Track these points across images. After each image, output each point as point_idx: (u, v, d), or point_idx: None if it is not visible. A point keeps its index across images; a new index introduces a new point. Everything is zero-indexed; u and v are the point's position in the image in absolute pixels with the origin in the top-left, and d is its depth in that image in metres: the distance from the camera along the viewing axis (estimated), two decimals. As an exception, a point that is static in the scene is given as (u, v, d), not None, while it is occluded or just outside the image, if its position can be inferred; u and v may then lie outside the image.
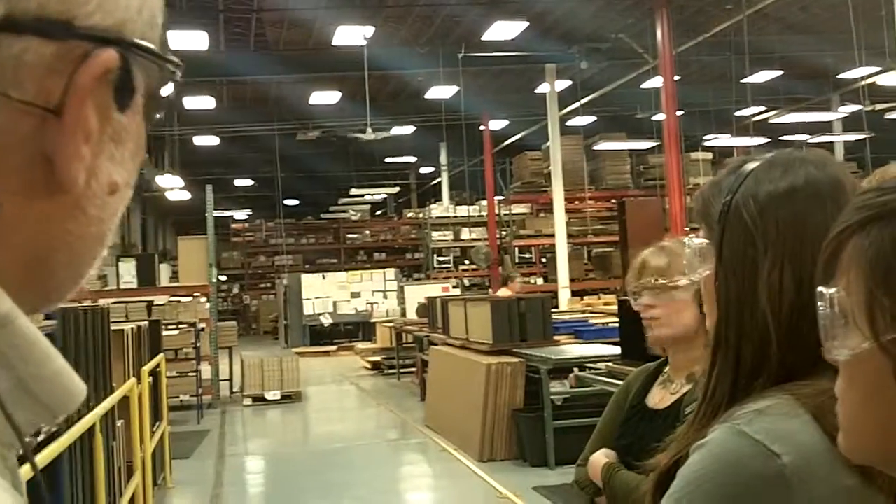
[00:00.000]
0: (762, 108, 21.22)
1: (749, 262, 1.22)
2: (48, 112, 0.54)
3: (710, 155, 21.90)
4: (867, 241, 0.85)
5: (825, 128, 23.64)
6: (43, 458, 3.88)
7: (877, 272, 0.83)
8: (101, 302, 11.53)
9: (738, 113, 20.89)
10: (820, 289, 0.88)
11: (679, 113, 15.35)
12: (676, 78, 15.29)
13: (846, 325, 0.85)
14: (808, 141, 23.69)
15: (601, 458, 2.54)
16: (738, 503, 1.11)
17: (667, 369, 2.61)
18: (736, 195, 1.26)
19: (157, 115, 0.65)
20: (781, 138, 22.83)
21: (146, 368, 7.71)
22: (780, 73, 20.90)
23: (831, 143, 23.08)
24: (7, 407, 0.52)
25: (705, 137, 23.52)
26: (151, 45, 0.60)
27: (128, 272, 14.93)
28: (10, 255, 0.55)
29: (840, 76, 20.80)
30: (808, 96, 21.24)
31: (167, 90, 0.65)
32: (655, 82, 16.95)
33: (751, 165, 1.30)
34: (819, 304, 0.87)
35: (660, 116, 16.12)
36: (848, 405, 0.90)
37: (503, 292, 13.58)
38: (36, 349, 0.54)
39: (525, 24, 16.72)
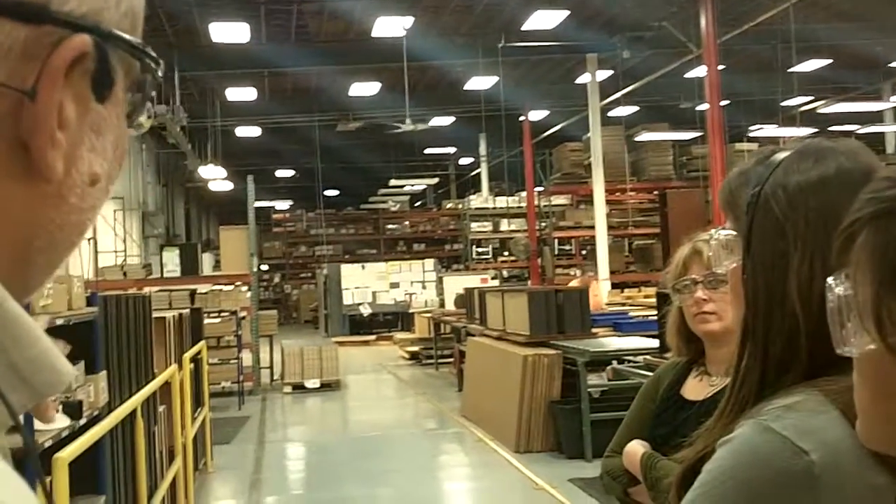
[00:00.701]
0: (809, 98, 20.94)
1: (778, 254, 1.20)
2: (23, 95, 0.55)
3: (755, 146, 21.64)
4: (876, 239, 0.84)
5: (876, 118, 23.29)
6: (85, 442, 3.94)
7: (884, 274, 0.83)
8: (145, 290, 11.67)
9: (784, 103, 20.62)
10: (829, 282, 0.87)
11: (723, 103, 15.17)
12: (721, 67, 15.12)
13: (855, 322, 0.84)
14: (858, 131, 23.37)
15: (638, 447, 2.52)
16: (764, 500, 1.09)
17: (703, 361, 2.59)
18: (765, 186, 1.23)
19: (142, 114, 0.66)
20: (829, 128, 22.53)
21: (188, 355, 7.80)
22: (829, 61, 20.60)
23: (882, 133, 22.73)
24: (2, 390, 0.53)
25: (750, 128, 23.27)
26: (128, 37, 0.60)
27: (171, 261, 15.12)
28: None
29: (892, 65, 20.44)
30: (858, 85, 20.92)
31: (149, 87, 0.65)
32: (699, 72, 16.78)
33: (780, 155, 1.27)
34: (828, 297, 0.87)
35: (703, 106, 15.96)
36: (860, 397, 0.89)
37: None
38: (24, 331, 0.54)
39: (566, 12, 16.63)
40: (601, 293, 14.35)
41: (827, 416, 1.10)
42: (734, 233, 1.29)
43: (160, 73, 0.65)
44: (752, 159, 1.33)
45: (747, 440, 1.13)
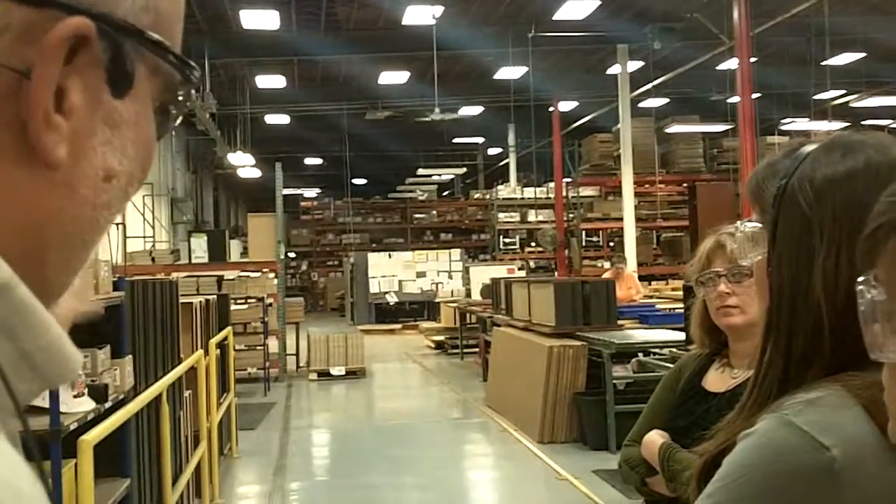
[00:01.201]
0: (842, 92, 20.73)
1: (804, 248, 1.18)
2: (21, 75, 0.54)
3: (786, 139, 21.47)
4: None
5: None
6: (110, 425, 3.97)
7: None
8: (173, 275, 11.75)
9: (816, 96, 20.42)
10: (860, 286, 0.86)
11: (755, 96, 15.04)
12: (753, 59, 14.99)
13: (888, 327, 0.83)
14: (892, 125, 23.10)
15: (657, 438, 2.52)
16: (784, 495, 1.08)
17: (725, 353, 2.58)
18: (792, 179, 1.22)
19: (175, 116, 0.65)
20: (862, 122, 22.28)
21: (214, 341, 7.84)
22: (863, 55, 20.37)
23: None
24: (7, 375, 0.52)
25: (782, 121, 23.07)
26: (150, 33, 0.59)
27: (199, 247, 15.23)
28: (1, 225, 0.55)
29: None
30: (892, 79, 20.67)
31: (185, 91, 0.64)
32: (731, 64, 16.65)
33: (808, 148, 1.26)
34: (860, 301, 0.85)
35: (735, 99, 15.83)
36: (890, 399, 0.88)
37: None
38: (35, 318, 0.54)
39: (597, 3, 16.53)
40: (637, 285, 14.23)
41: (849, 411, 1.08)
42: (760, 225, 1.27)
43: (194, 78, 0.64)
44: (781, 152, 1.31)
45: (768, 434, 1.12)
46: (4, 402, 0.52)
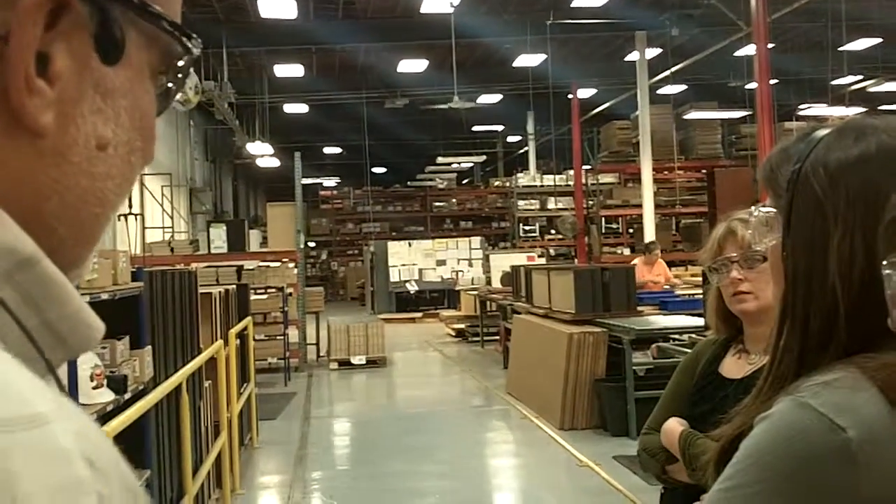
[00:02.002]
0: (860, 77, 20.56)
1: (819, 232, 1.18)
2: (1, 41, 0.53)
3: (803, 125, 21.28)
4: None
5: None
6: (130, 416, 4.00)
7: None
8: (192, 266, 11.80)
9: (834, 82, 20.28)
10: (886, 269, 0.86)
11: (773, 82, 14.95)
12: (771, 46, 14.90)
13: None
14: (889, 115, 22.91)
15: (676, 425, 2.52)
16: (801, 477, 1.09)
17: (741, 339, 2.58)
18: (805, 163, 1.22)
19: (175, 89, 0.65)
20: (879, 108, 22.11)
21: (234, 331, 7.86)
22: (880, 40, 20.21)
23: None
24: (38, 343, 0.53)
25: (800, 107, 22.92)
26: None
27: (218, 237, 15.26)
28: None
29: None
30: (909, 65, 20.51)
31: (179, 59, 0.63)
32: (749, 50, 16.54)
33: (821, 132, 1.26)
34: (886, 284, 0.85)
35: (752, 85, 15.74)
36: None
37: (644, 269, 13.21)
38: (60, 289, 0.54)
39: (615, -10, 16.46)
40: (666, 272, 14.13)
41: (865, 393, 1.09)
42: (774, 210, 1.27)
43: (194, 47, 0.63)
44: (794, 137, 1.31)
45: (785, 417, 1.12)
46: (39, 369, 0.53)
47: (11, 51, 0.53)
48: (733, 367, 2.54)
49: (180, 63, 0.64)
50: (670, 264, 19.87)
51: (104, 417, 3.98)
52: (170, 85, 0.64)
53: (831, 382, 1.12)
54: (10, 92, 0.54)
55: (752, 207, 1.35)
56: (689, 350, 7.21)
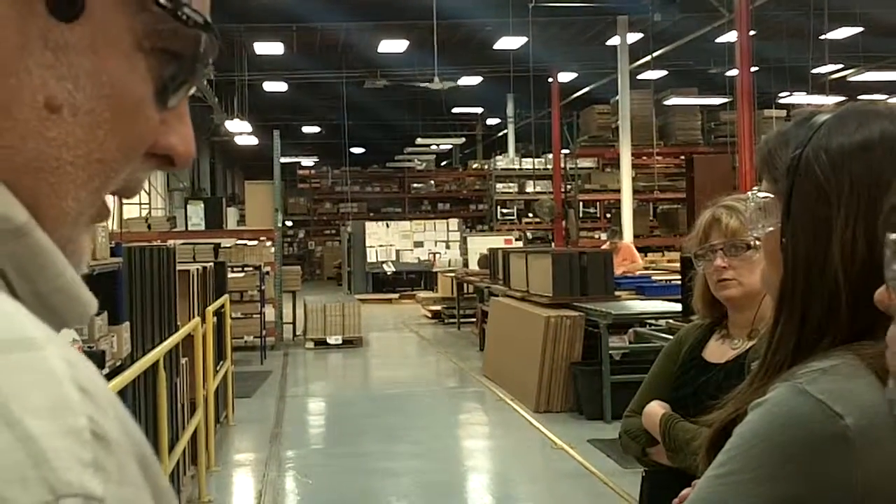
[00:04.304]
0: (840, 66, 20.65)
1: (820, 218, 1.17)
2: None
3: (783, 113, 21.42)
4: None
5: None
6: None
7: None
8: (170, 243, 11.73)
9: (814, 70, 20.35)
10: (890, 236, 0.85)
11: (753, 69, 15.00)
12: (752, 33, 14.93)
13: None
14: (888, 101, 23.05)
15: (658, 408, 2.54)
16: (797, 463, 1.08)
17: (725, 324, 2.59)
18: (806, 148, 1.21)
19: (187, 72, 0.59)
20: (859, 97, 22.22)
21: (211, 308, 7.84)
22: (860, 29, 20.29)
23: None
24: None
25: (780, 95, 23.00)
26: None
27: (196, 214, 15.19)
28: None
29: (924, 34, 20.12)
30: (889, 54, 20.60)
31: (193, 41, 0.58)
32: (730, 37, 16.58)
33: (822, 118, 1.24)
34: (886, 252, 0.85)
35: (733, 72, 15.79)
36: (892, 356, 0.87)
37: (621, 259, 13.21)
38: (52, 261, 0.53)
39: (598, -26, 16.44)
40: (634, 256, 14.20)
41: (863, 380, 1.09)
42: (771, 195, 1.26)
43: (203, 29, 0.58)
44: (791, 122, 1.30)
45: (781, 403, 1.12)
46: None
47: None
48: (717, 351, 2.56)
49: (192, 46, 0.58)
50: (647, 250, 19.98)
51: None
52: (178, 69, 0.58)
53: (829, 369, 1.11)
54: None
55: (750, 192, 1.33)
56: (665, 335, 7.27)
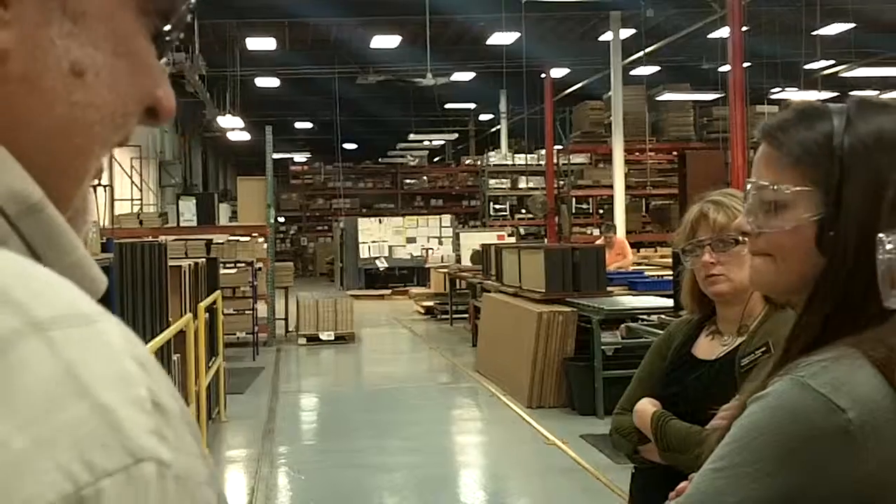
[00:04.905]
0: (832, 62, 20.68)
1: (875, 203, 1.15)
2: None
3: (775, 108, 21.46)
4: None
5: (897, 83, 23.03)
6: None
7: None
8: (162, 238, 11.71)
9: (807, 66, 20.38)
10: (881, 236, 0.85)
11: (746, 65, 15.01)
12: (744, 28, 14.94)
13: None
14: (880, 96, 23.08)
15: (649, 406, 2.53)
16: (800, 457, 1.08)
17: (714, 319, 2.59)
18: (848, 138, 1.19)
19: (170, 31, 0.62)
20: (851, 93, 22.24)
21: (203, 304, 7.83)
22: (853, 25, 20.33)
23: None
24: None
25: (772, 90, 23.03)
26: None
27: (188, 210, 15.16)
28: None
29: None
30: (881, 51, 20.64)
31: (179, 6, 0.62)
32: (722, 32, 16.59)
33: (838, 106, 1.23)
34: (879, 251, 0.84)
35: (725, 68, 15.79)
36: None
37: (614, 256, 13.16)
38: (63, 238, 0.54)
39: (591, -31, 16.42)
40: (627, 251, 14.20)
41: (863, 371, 1.08)
42: (800, 188, 1.22)
43: None
44: (799, 114, 1.27)
45: (783, 397, 1.11)
46: None
47: None
48: (706, 348, 2.55)
49: (175, 7, 0.62)
50: (639, 245, 19.99)
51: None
52: (166, 28, 0.62)
53: (830, 362, 1.11)
54: None
55: (752, 187, 1.29)
56: (657, 331, 7.26)
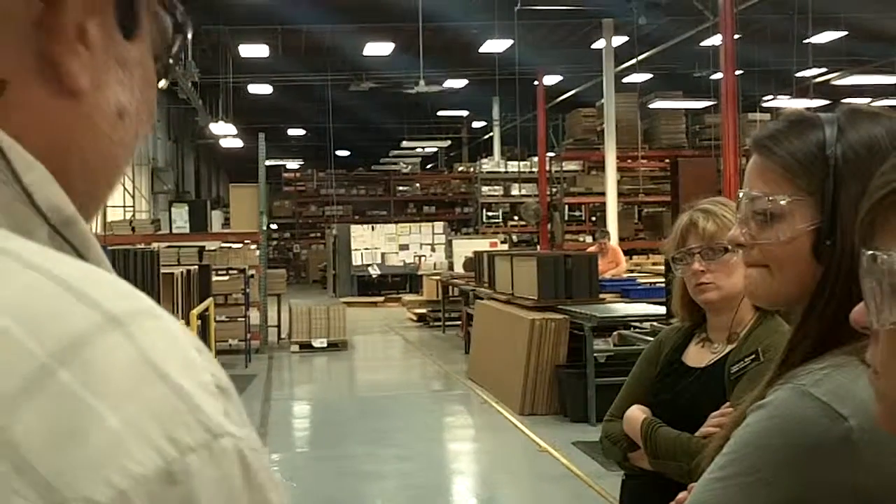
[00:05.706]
0: (823, 70, 20.76)
1: None
2: (42, 3, 0.57)
3: (767, 116, 21.52)
4: None
5: (889, 91, 23.13)
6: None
7: None
8: (154, 245, 11.69)
9: (798, 74, 20.44)
10: (864, 252, 0.84)
11: (738, 72, 15.06)
12: (736, 36, 14.99)
13: (892, 294, 0.80)
14: (871, 104, 23.17)
15: (639, 413, 2.53)
16: (801, 466, 1.08)
17: (704, 327, 2.59)
18: (840, 147, 1.19)
19: (171, 65, 0.69)
20: (843, 101, 22.33)
21: (195, 311, 7.82)
22: (844, 34, 20.41)
23: (895, 106, 22.50)
24: None
25: (764, 98, 23.10)
26: None
27: (180, 217, 15.13)
28: (32, 149, 0.57)
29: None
30: (873, 59, 20.73)
31: (176, 41, 0.68)
32: (715, 40, 16.64)
33: (829, 116, 1.23)
34: (862, 268, 0.84)
35: (718, 75, 15.84)
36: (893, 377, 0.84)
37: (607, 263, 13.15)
38: (95, 250, 0.58)
39: (583, -23, 16.46)
40: (620, 258, 14.20)
41: (865, 380, 1.08)
42: (794, 197, 1.22)
43: (187, 29, 0.68)
44: (790, 124, 1.27)
45: (784, 405, 1.11)
46: None
47: (58, 14, 0.57)
48: (697, 355, 2.55)
49: (174, 40, 0.68)
50: (632, 252, 20.02)
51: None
52: (166, 61, 0.68)
53: (832, 370, 1.11)
54: (54, 51, 0.57)
55: (745, 197, 1.29)
56: (650, 338, 7.27)
